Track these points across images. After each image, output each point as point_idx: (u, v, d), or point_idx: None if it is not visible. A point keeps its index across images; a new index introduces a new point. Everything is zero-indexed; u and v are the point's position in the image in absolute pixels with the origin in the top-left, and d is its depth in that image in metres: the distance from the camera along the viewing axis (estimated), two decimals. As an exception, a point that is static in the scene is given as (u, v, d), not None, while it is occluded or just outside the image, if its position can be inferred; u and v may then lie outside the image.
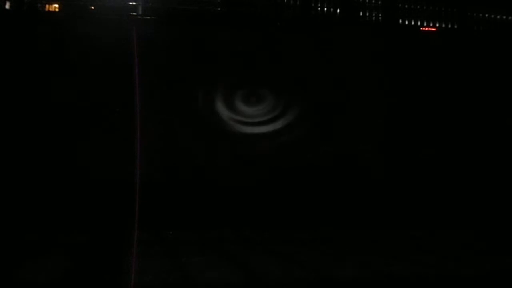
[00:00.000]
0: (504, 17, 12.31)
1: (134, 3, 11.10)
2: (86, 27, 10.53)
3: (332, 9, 11.69)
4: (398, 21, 11.95)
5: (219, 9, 11.47)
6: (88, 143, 10.44)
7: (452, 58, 11.80)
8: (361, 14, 11.83)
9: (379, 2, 11.90)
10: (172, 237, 10.00)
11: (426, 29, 12.04)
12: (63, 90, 10.46)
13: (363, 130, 11.56)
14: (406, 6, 11.97)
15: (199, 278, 7.12)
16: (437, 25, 12.08)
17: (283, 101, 11.43)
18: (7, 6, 10.70)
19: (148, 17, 11.12)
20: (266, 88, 11.38)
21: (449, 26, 12.12)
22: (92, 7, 11.00)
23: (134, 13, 11.09)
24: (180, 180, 10.76)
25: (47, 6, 11.08)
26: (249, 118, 11.31)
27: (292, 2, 11.60)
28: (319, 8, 11.69)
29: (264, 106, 11.37)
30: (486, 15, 12.21)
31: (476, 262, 8.00)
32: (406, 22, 11.97)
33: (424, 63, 11.69)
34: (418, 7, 12.00)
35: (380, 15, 11.91)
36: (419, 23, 12.01)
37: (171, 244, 9.55)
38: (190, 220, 10.25)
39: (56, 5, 11.03)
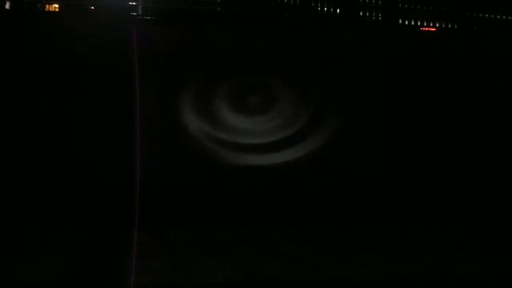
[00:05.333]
0: (504, 17, 12.31)
1: (134, 3, 11.10)
2: (86, 27, 10.52)
3: (332, 9, 11.69)
4: (398, 21, 11.94)
5: (219, 9, 11.47)
6: (88, 143, 10.43)
7: (452, 58, 11.78)
8: (361, 14, 11.82)
9: (379, 2, 11.89)
10: (172, 237, 10.02)
11: (426, 29, 12.03)
12: (63, 89, 10.46)
13: (363, 130, 11.56)
14: (406, 6, 11.96)
15: (198, 277, 7.14)
16: (437, 25, 12.07)
17: (283, 101, 11.43)
18: (7, 6, 10.69)
19: (148, 17, 11.12)
20: (266, 88, 11.36)
21: (449, 26, 12.11)
22: (92, 7, 10.99)
23: (134, 13, 11.09)
24: (181, 180, 10.75)
25: (47, 6, 11.07)
26: (248, 117, 11.30)
27: (292, 2, 11.59)
28: (319, 8, 11.69)
29: (264, 106, 11.35)
30: (486, 15, 12.20)
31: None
32: (406, 22, 11.96)
33: (424, 63, 11.68)
34: (418, 7, 11.99)
35: (380, 15, 11.91)
36: (419, 23, 12.01)
37: (171, 244, 9.57)
38: (190, 221, 10.26)
39: (56, 5, 11.02)
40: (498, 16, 12.28)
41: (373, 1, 11.87)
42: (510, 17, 12.34)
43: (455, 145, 11.65)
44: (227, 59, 11.13)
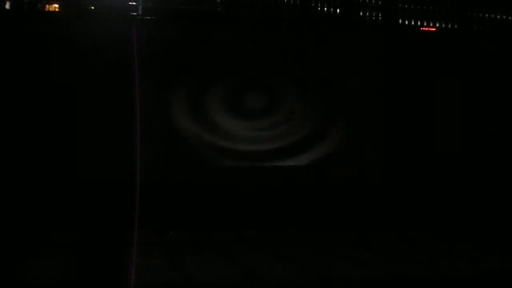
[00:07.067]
0: (504, 17, 12.30)
1: (134, 3, 11.10)
2: (86, 27, 10.52)
3: (332, 9, 11.68)
4: (398, 21, 11.94)
5: (219, 9, 11.47)
6: (88, 143, 10.43)
7: (452, 58, 11.78)
8: (361, 14, 11.82)
9: (379, 2, 11.89)
10: (172, 236, 10.04)
11: (426, 29, 12.03)
12: (63, 90, 10.46)
13: (363, 130, 11.56)
14: (406, 6, 11.95)
15: (198, 277, 7.15)
16: (437, 25, 12.07)
17: (283, 102, 11.42)
18: (7, 6, 10.69)
19: (148, 17, 11.12)
20: (266, 88, 11.36)
21: (449, 26, 12.11)
22: (92, 7, 10.99)
23: (134, 13, 11.09)
24: (181, 180, 10.75)
25: (47, 6, 11.07)
26: (247, 118, 11.30)
27: (292, 2, 11.59)
28: (319, 8, 11.69)
29: (264, 106, 11.35)
30: (486, 15, 12.20)
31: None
32: (406, 22, 11.96)
33: (424, 63, 11.68)
34: (418, 7, 11.98)
35: (380, 15, 11.90)
36: (419, 23, 12.00)
37: (171, 243, 9.60)
38: (190, 221, 10.27)
39: (56, 5, 11.02)
40: (498, 16, 12.27)
41: (373, 1, 11.86)
42: (510, 17, 12.33)
43: (455, 145, 11.65)
44: (227, 59, 11.12)
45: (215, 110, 11.14)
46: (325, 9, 11.68)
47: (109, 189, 10.21)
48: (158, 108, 10.88)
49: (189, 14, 11.17)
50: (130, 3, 11.08)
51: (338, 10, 11.71)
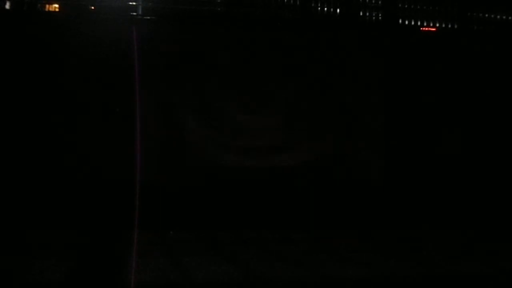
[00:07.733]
0: (504, 17, 12.30)
1: (134, 3, 11.10)
2: (86, 27, 10.53)
3: (332, 9, 11.69)
4: (398, 21, 11.95)
5: (219, 9, 11.48)
6: (88, 143, 10.43)
7: (452, 58, 11.78)
8: (361, 14, 11.82)
9: (379, 2, 11.90)
10: (172, 236, 10.05)
11: (426, 29, 12.03)
12: (63, 90, 10.46)
13: (362, 131, 11.55)
14: (406, 6, 11.96)
15: (198, 277, 7.16)
16: (437, 25, 12.07)
17: (282, 102, 11.41)
18: (7, 6, 10.70)
19: (148, 17, 11.13)
20: (266, 88, 11.36)
21: (449, 26, 12.11)
22: (92, 7, 11.00)
23: (134, 13, 11.09)
24: (181, 180, 10.75)
25: (47, 6, 11.08)
26: (248, 118, 11.30)
27: (292, 2, 11.60)
28: (319, 8, 11.70)
29: (264, 107, 11.35)
30: (486, 15, 12.21)
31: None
32: (406, 22, 11.97)
33: (424, 63, 11.68)
34: (418, 7, 11.99)
35: (380, 15, 11.91)
36: (419, 23, 12.01)
37: (171, 243, 9.60)
38: (190, 221, 10.27)
39: (56, 5, 11.03)
40: (498, 16, 12.28)
41: (373, 1, 11.86)
42: (510, 17, 12.33)
43: (454, 146, 11.65)
44: (227, 59, 11.12)
45: (214, 109, 11.13)
46: (325, 9, 11.69)
47: (109, 189, 10.21)
48: (158, 108, 10.89)
49: (189, 14, 11.17)
50: (130, 3, 11.09)
51: (338, 10, 11.72)
